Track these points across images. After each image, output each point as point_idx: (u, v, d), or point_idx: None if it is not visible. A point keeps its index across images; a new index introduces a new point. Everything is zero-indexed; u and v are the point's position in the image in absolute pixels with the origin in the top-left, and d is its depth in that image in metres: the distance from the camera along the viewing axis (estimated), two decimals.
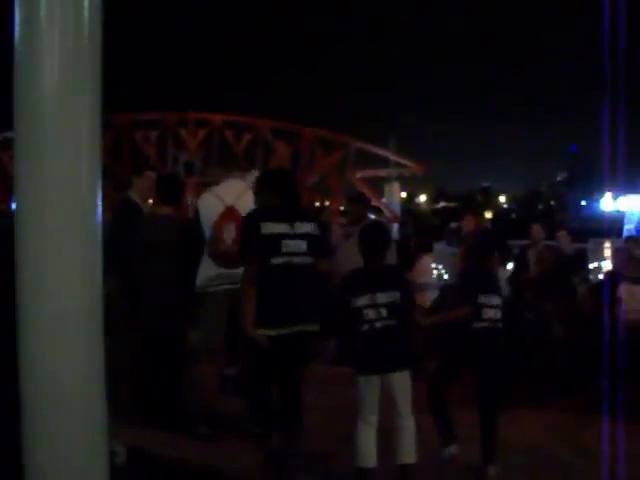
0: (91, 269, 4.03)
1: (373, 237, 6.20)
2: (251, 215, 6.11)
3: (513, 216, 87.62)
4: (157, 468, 5.77)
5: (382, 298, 5.85)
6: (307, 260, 5.93)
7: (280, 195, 6.08)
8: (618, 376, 7.02)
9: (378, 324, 5.82)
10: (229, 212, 7.08)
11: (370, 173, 36.11)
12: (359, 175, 34.31)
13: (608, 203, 52.98)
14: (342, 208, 25.45)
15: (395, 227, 19.71)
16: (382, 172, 35.40)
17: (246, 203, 6.89)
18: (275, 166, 37.05)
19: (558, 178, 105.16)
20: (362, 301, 5.85)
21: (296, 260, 5.87)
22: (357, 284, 5.99)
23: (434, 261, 13.91)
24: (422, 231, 19.09)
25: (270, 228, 5.83)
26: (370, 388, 5.86)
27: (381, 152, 34.89)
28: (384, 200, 32.32)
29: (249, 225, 5.98)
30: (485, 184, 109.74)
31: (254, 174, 7.34)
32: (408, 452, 5.87)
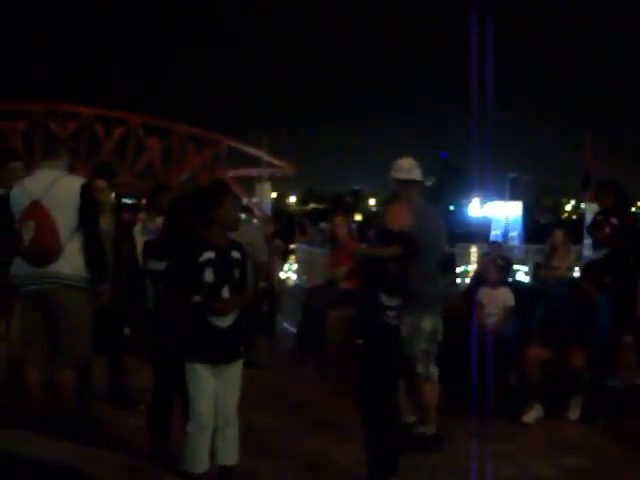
0: None
1: None
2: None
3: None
4: (20, 470, 5.49)
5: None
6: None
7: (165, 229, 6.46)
8: (482, 378, 7.13)
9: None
10: (32, 207, 6.47)
11: (242, 172, 36.11)
12: (230, 174, 34.19)
13: (475, 209, 54.21)
14: None
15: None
16: (253, 172, 35.51)
17: (57, 193, 6.47)
18: (146, 162, 36.71)
19: (427, 183, 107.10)
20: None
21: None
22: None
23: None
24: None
25: (151, 264, 6.26)
26: (203, 380, 5.48)
27: (253, 151, 34.97)
28: (255, 200, 32.36)
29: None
30: (356, 187, 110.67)
31: (65, 159, 6.84)
32: (231, 454, 5.63)
